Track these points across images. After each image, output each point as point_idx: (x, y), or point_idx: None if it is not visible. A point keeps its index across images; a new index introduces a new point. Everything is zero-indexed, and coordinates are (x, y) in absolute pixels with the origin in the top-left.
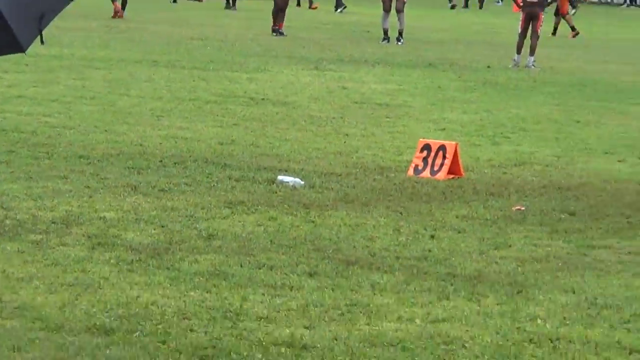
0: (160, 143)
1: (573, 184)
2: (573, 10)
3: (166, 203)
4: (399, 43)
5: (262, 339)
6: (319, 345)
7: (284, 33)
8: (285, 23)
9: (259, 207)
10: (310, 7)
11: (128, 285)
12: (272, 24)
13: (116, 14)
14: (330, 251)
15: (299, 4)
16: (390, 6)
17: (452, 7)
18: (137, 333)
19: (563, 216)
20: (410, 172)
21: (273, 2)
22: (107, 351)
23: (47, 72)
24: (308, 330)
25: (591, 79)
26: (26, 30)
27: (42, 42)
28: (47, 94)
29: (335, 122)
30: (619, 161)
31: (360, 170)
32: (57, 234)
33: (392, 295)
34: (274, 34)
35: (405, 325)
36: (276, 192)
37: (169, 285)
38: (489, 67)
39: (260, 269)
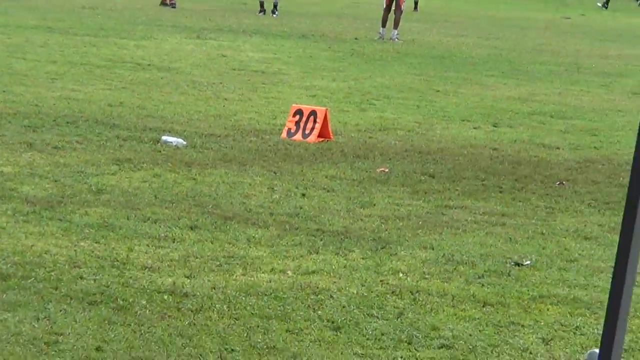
0: (54, 104)
1: (433, 148)
2: None
3: (59, 159)
4: (274, 15)
5: (146, 287)
6: (198, 294)
7: (176, 5)
8: None
9: (145, 164)
10: None
11: (23, 235)
12: None
13: None
14: (210, 206)
15: None
16: None
17: None
18: (32, 279)
19: (423, 178)
20: (284, 134)
21: None
22: (4, 295)
23: None
24: (189, 280)
25: (450, 52)
26: None
27: None
28: None
29: (215, 87)
30: (475, 128)
31: (238, 132)
32: None
33: (266, 248)
34: (170, 6)
35: (278, 277)
36: (160, 151)
37: (61, 236)
38: (356, 39)
39: (145, 222)
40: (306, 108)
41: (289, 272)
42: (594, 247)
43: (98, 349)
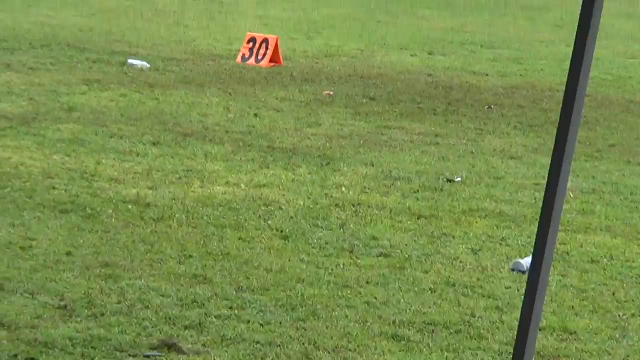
0: (30, 28)
1: (373, 73)
2: None
3: (34, 79)
4: None
5: (112, 197)
6: (160, 204)
7: None
8: None
9: (112, 85)
10: None
11: (1, 148)
12: None
13: None
14: (171, 124)
15: None
16: None
17: None
18: (8, 189)
19: (365, 100)
20: (239, 59)
21: None
22: None
23: None
24: (151, 191)
25: None
26: None
27: None
28: None
29: (176, 15)
30: (412, 55)
31: (197, 56)
32: None
33: (221, 163)
34: None
35: (232, 189)
36: (126, 73)
37: (35, 149)
38: None
39: (112, 137)
40: (259, 36)
41: (242, 185)
42: (519, 165)
43: (68, 253)
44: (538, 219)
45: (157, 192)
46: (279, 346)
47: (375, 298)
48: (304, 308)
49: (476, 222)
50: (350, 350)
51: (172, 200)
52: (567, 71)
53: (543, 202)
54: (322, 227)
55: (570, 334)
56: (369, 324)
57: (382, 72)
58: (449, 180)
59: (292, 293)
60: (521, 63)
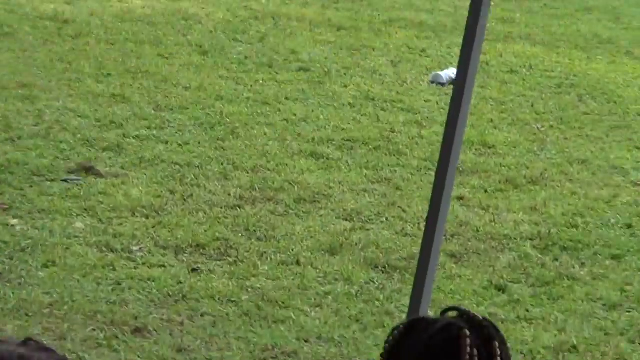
0: None
1: None
2: None
3: None
4: None
5: (29, 13)
6: (78, 20)
7: None
8: None
9: None
10: None
11: None
12: None
13: None
14: None
15: None
16: None
17: None
18: None
19: None
20: None
21: None
22: None
23: None
24: (69, 6)
25: None
26: None
27: None
28: None
29: None
30: None
31: None
32: None
33: None
34: None
35: (151, 3)
36: None
37: None
38: None
39: None
40: None
41: None
42: None
43: None
44: (459, 29)
45: (74, 7)
46: (198, 167)
47: (295, 115)
48: (223, 127)
49: (396, 32)
50: (269, 170)
51: (90, 16)
52: None
53: (469, 13)
54: (241, 42)
55: (489, 147)
56: (288, 142)
57: None
58: None
59: (211, 111)
60: None
